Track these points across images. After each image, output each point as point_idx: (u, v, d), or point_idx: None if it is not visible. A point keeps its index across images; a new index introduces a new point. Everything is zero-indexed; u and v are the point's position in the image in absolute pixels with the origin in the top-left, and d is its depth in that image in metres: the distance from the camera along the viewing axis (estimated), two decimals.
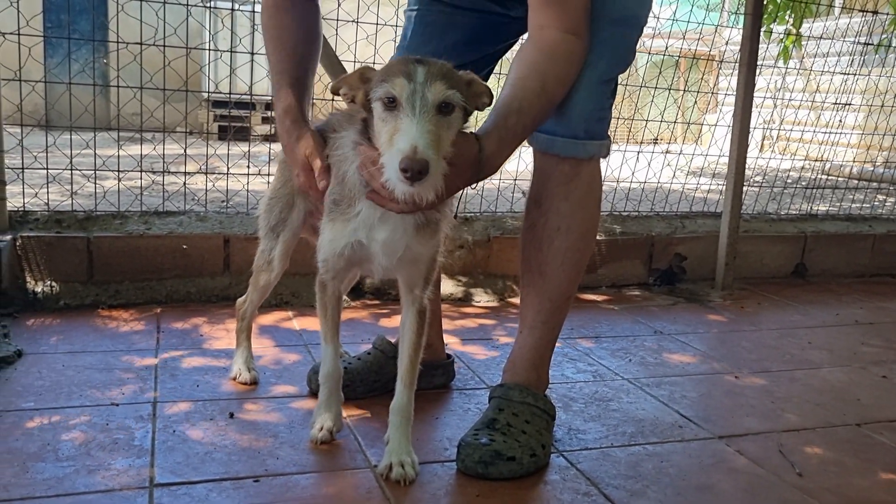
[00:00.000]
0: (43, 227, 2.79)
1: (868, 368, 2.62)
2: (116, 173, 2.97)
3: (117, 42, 2.98)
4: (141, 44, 2.96)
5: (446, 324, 2.85)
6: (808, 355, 2.73)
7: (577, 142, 1.79)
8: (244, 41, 3.46)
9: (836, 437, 2.06)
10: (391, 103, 1.46)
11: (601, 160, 1.88)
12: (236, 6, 7.09)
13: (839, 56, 6.03)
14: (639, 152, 3.92)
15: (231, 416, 1.94)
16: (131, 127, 3.12)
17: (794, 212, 4.28)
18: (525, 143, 1.81)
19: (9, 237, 2.67)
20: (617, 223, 3.66)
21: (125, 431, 1.82)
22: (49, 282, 2.72)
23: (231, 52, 3.68)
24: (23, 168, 2.84)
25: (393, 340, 2.17)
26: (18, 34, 2.72)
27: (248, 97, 3.17)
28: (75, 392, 2.02)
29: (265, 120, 8.89)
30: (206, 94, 8.63)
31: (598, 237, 3.48)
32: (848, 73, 4.89)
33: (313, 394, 2.05)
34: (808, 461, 1.90)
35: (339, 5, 3.11)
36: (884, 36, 5.53)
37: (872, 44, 5.19)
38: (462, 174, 1.55)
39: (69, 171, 2.91)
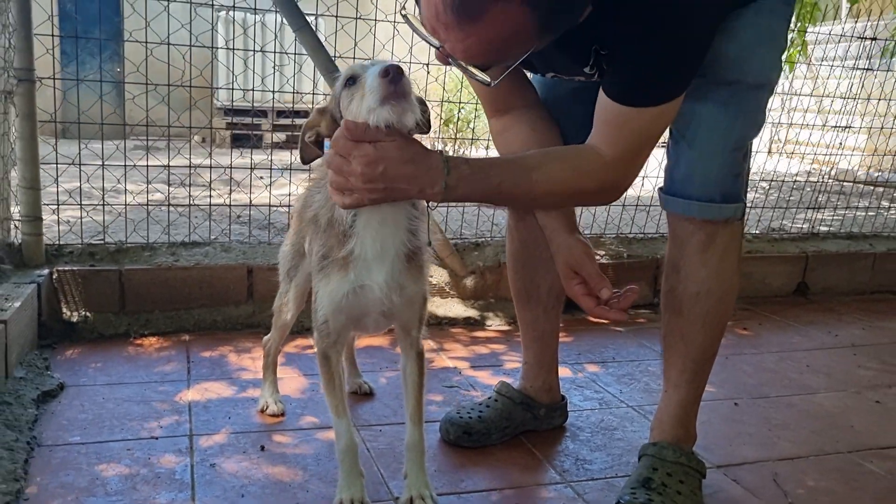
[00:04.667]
0: (77, 261, 2.95)
1: (863, 393, 2.74)
2: (146, 208, 3.13)
3: (145, 43, 3.10)
4: (168, 57, 3.08)
5: (458, 349, 3.00)
6: (805, 379, 2.85)
7: (713, 205, 1.80)
8: (257, 49, 3.53)
9: (828, 465, 2.19)
10: (352, 81, 1.57)
11: (737, 221, 1.89)
12: (248, 14, 7.21)
13: (844, 60, 6.12)
14: (644, 177, 4.04)
15: (262, 448, 2.09)
16: (155, 145, 3.24)
17: (796, 229, 4.40)
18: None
19: (46, 271, 2.83)
20: (623, 246, 3.79)
21: (166, 465, 1.97)
22: (84, 312, 2.87)
23: (249, 51, 3.76)
24: (58, 204, 3.00)
25: (515, 385, 2.29)
26: (54, 79, 2.87)
27: (258, 104, 3.30)
28: (117, 426, 2.17)
29: (276, 127, 9.08)
30: (228, 104, 8.71)
31: (604, 261, 3.61)
32: (855, 72, 4.96)
33: (449, 443, 2.16)
34: (800, 490, 2.03)
35: (355, 45, 3.25)
36: (888, 41, 5.62)
37: (878, 38, 5.23)
38: (412, 164, 1.54)
39: (97, 188, 3.06)
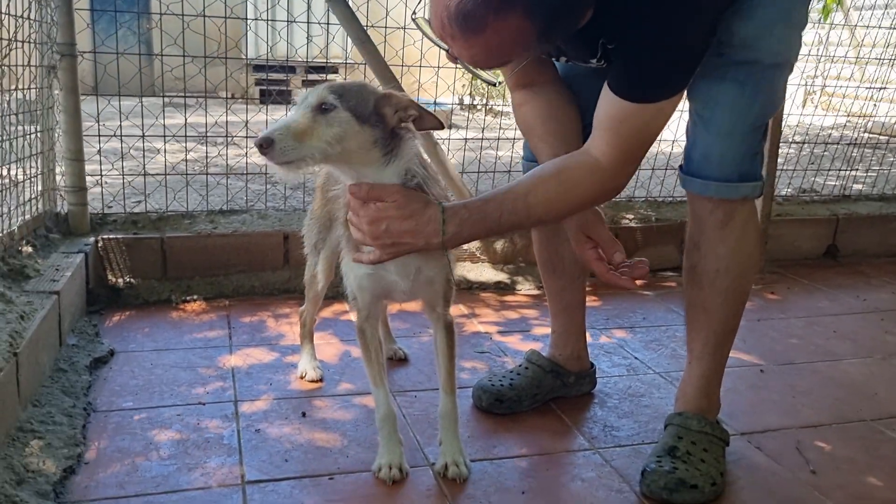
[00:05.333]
0: (121, 229, 3.06)
1: (888, 360, 2.78)
2: (185, 177, 3.21)
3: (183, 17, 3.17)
4: (205, 18, 3.15)
5: (489, 314, 3.07)
6: (832, 345, 2.90)
7: (730, 185, 1.84)
8: (283, 3, 3.57)
9: (850, 433, 2.24)
10: None
11: (756, 200, 1.93)
12: None
13: (885, 9, 5.99)
14: (673, 141, 4.03)
15: (303, 414, 2.19)
16: (187, 103, 3.31)
17: (828, 189, 4.38)
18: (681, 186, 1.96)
19: (92, 240, 2.94)
20: (652, 209, 3.82)
21: (214, 431, 2.08)
22: (128, 279, 2.99)
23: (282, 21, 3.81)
24: (101, 174, 3.10)
25: (544, 353, 2.38)
26: (94, 53, 2.93)
27: (289, 60, 3.34)
28: (166, 391, 2.29)
29: (306, 84, 9.12)
30: (263, 60, 8.72)
31: (633, 224, 3.65)
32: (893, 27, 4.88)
33: (482, 409, 2.25)
34: (822, 458, 2.09)
35: (387, 14, 3.27)
36: None
37: None
38: (411, 220, 1.65)
39: (136, 149, 3.15)
